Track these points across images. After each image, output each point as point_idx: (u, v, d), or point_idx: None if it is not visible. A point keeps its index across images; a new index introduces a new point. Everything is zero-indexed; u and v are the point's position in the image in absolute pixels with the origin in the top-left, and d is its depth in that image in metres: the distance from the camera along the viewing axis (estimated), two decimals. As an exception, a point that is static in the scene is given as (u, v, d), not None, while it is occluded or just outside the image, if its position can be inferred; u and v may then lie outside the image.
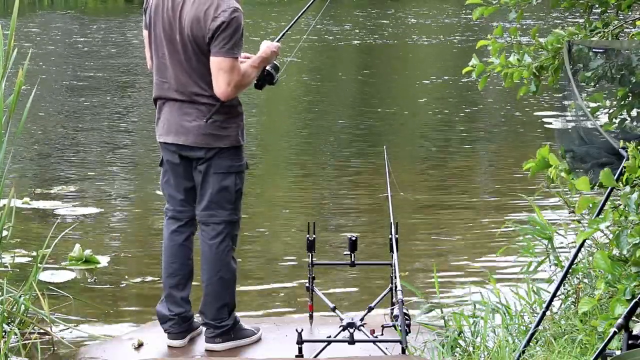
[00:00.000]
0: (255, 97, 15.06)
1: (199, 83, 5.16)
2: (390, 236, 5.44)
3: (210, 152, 5.20)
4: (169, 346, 5.36)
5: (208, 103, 5.16)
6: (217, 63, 5.10)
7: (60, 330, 5.94)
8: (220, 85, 5.12)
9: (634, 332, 3.57)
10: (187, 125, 5.19)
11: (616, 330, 3.50)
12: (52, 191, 9.48)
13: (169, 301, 5.35)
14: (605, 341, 3.51)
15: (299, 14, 5.66)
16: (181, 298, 5.34)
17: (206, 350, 5.33)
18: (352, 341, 4.99)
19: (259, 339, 5.47)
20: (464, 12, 26.78)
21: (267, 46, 5.36)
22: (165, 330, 5.39)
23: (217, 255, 5.26)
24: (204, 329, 5.37)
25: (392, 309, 5.27)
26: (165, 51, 5.21)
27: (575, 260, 4.90)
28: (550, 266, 5.67)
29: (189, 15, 5.12)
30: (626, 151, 4.57)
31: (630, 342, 3.53)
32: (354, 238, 5.56)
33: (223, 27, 5.06)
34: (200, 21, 5.09)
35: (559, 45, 5.50)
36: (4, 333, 5.51)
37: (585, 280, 5.40)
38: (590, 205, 4.63)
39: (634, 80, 5.28)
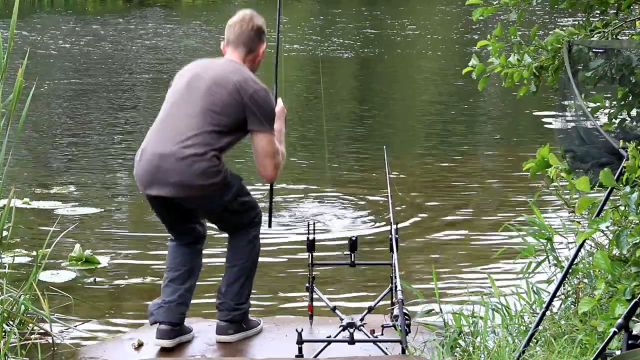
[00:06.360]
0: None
1: (195, 140, 5.14)
2: (390, 236, 5.44)
3: (201, 200, 5.22)
4: (160, 347, 5.33)
5: (203, 158, 5.16)
6: (263, 146, 5.21)
7: (60, 331, 5.94)
8: (269, 173, 5.28)
9: (634, 332, 3.57)
10: (176, 180, 5.15)
11: (616, 330, 3.50)
12: (52, 191, 9.48)
13: (164, 292, 5.33)
14: (605, 341, 3.51)
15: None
16: (177, 290, 5.31)
17: (217, 342, 5.35)
18: (352, 341, 4.99)
19: (261, 330, 5.53)
20: (460, 9, 26.78)
21: (279, 122, 5.40)
22: (153, 323, 5.33)
23: (249, 247, 5.36)
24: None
25: (392, 309, 5.27)
26: (177, 101, 5.24)
27: (575, 260, 4.90)
28: (550, 266, 5.67)
29: (215, 75, 5.21)
30: (626, 151, 4.58)
31: (630, 342, 3.53)
32: (354, 238, 5.57)
33: (257, 104, 5.17)
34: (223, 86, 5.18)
35: (559, 45, 5.51)
36: (4, 333, 5.51)
37: (585, 280, 5.40)
38: (590, 205, 4.63)
39: (633, 80, 5.28)
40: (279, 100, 5.56)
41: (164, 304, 5.31)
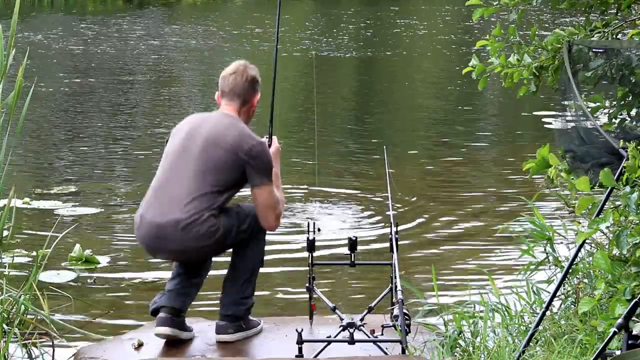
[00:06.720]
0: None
1: (192, 205, 5.15)
2: (390, 236, 5.44)
3: (205, 255, 5.30)
4: (165, 344, 5.30)
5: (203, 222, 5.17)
6: (263, 200, 5.23)
7: (60, 330, 5.94)
8: (272, 224, 5.29)
9: (634, 332, 3.57)
10: (176, 248, 5.18)
11: (616, 330, 3.51)
12: (52, 191, 9.49)
13: (168, 284, 5.32)
14: (605, 341, 3.51)
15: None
16: (181, 282, 5.31)
17: (217, 342, 5.33)
18: (352, 341, 4.99)
19: (261, 330, 5.52)
20: (461, 8, 26.80)
21: (275, 164, 5.40)
22: (153, 311, 5.32)
23: (256, 245, 5.37)
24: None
25: (392, 309, 5.27)
26: (173, 161, 5.25)
27: (575, 260, 4.90)
28: (550, 266, 5.67)
29: (209, 133, 5.21)
30: (626, 151, 4.58)
31: (630, 342, 3.53)
32: (354, 238, 5.57)
33: (256, 159, 5.18)
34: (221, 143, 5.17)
35: (559, 45, 5.51)
36: (4, 333, 5.51)
37: (585, 280, 5.40)
38: (590, 205, 4.63)
39: (633, 80, 5.29)
40: (274, 139, 5.55)
41: (167, 292, 5.32)
